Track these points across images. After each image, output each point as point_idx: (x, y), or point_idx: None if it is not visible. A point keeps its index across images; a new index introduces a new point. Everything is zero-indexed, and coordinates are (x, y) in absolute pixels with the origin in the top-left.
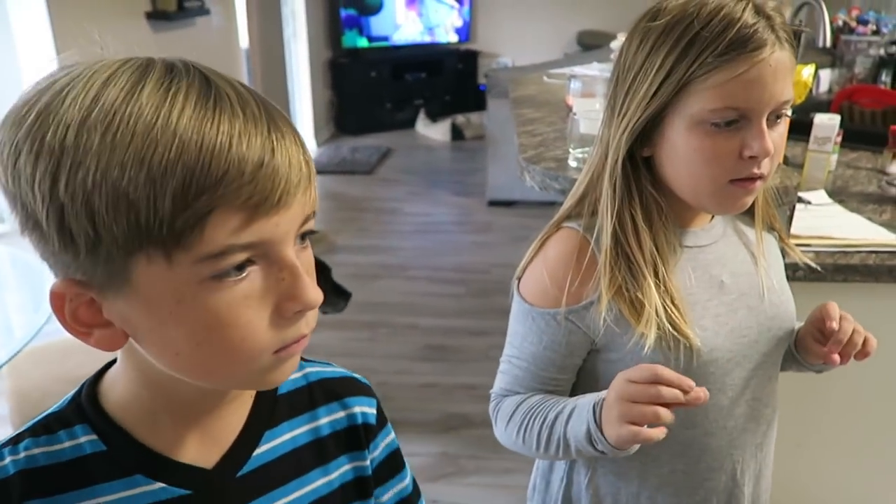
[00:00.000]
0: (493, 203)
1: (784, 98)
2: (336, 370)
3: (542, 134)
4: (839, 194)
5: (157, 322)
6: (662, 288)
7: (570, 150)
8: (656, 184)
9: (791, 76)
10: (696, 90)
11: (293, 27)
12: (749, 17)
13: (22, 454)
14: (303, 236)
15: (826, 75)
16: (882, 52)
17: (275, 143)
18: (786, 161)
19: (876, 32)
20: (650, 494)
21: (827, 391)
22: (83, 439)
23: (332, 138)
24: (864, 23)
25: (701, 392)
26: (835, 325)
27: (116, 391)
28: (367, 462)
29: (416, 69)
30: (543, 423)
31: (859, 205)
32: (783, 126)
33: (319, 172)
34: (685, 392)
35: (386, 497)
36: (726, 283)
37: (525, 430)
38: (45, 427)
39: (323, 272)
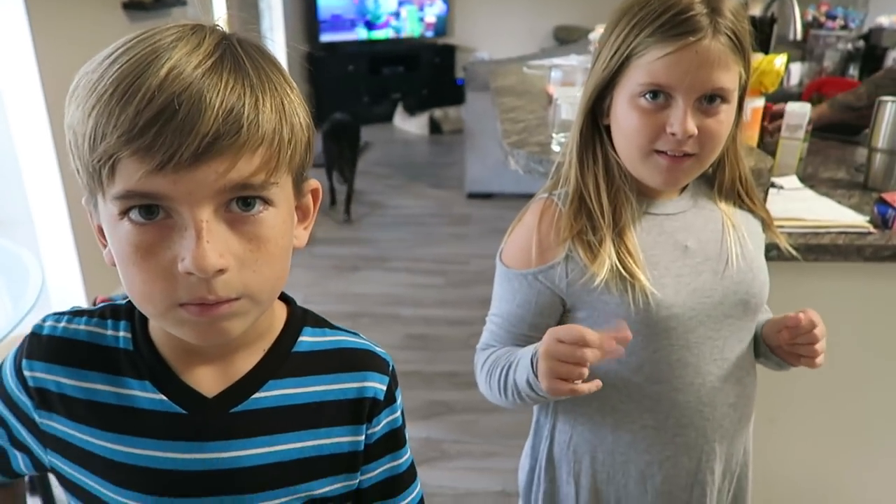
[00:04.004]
0: (472, 195)
1: (715, 85)
2: (359, 341)
3: (524, 121)
4: (810, 180)
5: (109, 245)
6: (618, 239)
7: (553, 134)
8: (616, 151)
9: (727, 68)
10: (635, 66)
11: (270, 20)
12: (691, 5)
13: (73, 326)
14: (245, 200)
15: (797, 68)
16: (850, 46)
17: (202, 102)
18: (759, 145)
19: (844, 27)
20: (623, 451)
21: (799, 368)
22: (121, 334)
23: None
24: (833, 18)
25: (623, 331)
26: (799, 320)
27: None
28: (362, 437)
29: (394, 63)
30: (501, 371)
31: (829, 189)
32: (723, 113)
33: None
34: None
35: (375, 472)
36: (691, 247)
37: (490, 377)
38: (102, 313)
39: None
